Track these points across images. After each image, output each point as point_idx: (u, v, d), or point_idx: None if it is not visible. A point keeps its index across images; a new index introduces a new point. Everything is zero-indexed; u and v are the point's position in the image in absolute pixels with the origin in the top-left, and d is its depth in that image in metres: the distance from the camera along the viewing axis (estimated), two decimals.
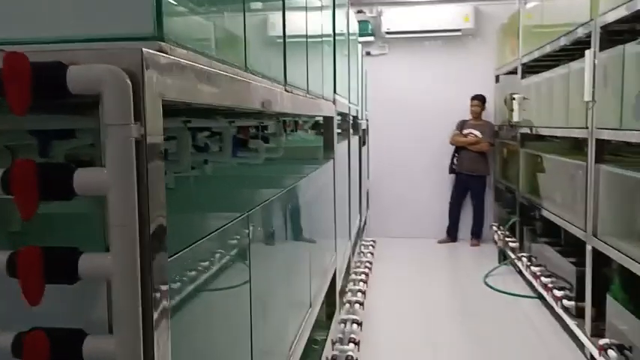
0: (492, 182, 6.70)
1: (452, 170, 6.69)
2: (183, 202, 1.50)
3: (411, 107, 6.82)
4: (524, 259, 4.89)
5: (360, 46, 4.49)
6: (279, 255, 1.49)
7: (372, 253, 5.53)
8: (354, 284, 4.13)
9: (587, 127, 3.41)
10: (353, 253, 4.49)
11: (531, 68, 5.08)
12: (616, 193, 3.13)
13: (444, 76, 6.76)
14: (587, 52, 3.31)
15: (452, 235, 6.77)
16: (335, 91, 2.62)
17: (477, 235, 6.67)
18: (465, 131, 6.57)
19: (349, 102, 3.60)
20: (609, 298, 3.13)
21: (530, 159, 4.97)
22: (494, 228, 6.21)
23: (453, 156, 6.65)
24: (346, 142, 3.51)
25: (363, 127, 5.48)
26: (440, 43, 6.88)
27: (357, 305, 3.67)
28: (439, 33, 6.71)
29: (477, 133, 6.50)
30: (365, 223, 5.58)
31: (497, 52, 6.44)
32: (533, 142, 5.17)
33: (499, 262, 5.69)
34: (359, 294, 3.93)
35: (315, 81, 2.08)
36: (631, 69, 2.84)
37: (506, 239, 5.59)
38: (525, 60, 5.06)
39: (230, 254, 1.06)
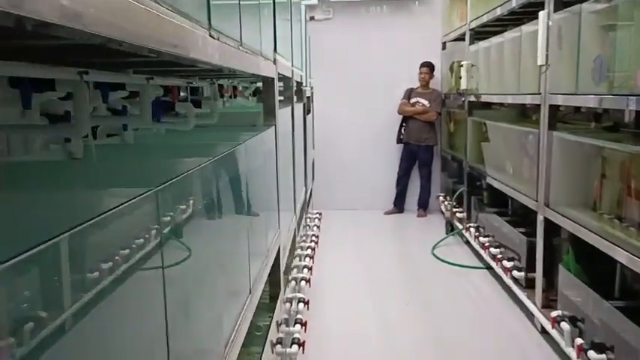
0: (439, 152, 6.61)
1: (400, 140, 6.53)
2: (86, 176, 1.21)
3: (357, 75, 6.59)
4: (472, 230, 4.82)
5: (303, 8, 4.19)
6: (208, 238, 1.23)
7: (318, 227, 5.34)
8: (300, 260, 3.91)
9: (539, 93, 3.28)
10: (299, 227, 4.26)
11: (479, 34, 4.94)
12: (569, 161, 3.02)
13: (390, 42, 6.55)
14: (541, 13, 3.16)
15: (399, 205, 6.66)
16: (276, 50, 2.34)
17: (423, 205, 6.58)
18: (413, 100, 6.40)
19: (292, 65, 3.32)
20: (562, 269, 3.05)
21: (479, 127, 4.86)
22: (441, 198, 6.15)
23: (401, 126, 6.48)
24: (289, 108, 3.24)
25: (308, 94, 5.20)
26: (386, 9, 6.65)
27: (302, 282, 3.46)
28: None
29: (425, 101, 6.35)
30: (310, 195, 5.37)
31: (443, 17, 6.28)
32: (479, 111, 5.07)
33: (446, 233, 5.63)
34: (305, 270, 3.72)
35: (252, 34, 1.80)
36: (588, 30, 2.70)
37: (454, 209, 5.52)
38: (474, 25, 4.90)
39: (137, 241, 0.80)
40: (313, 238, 4.84)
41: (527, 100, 3.54)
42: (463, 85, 5.09)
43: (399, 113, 6.45)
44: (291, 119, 3.28)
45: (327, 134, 6.62)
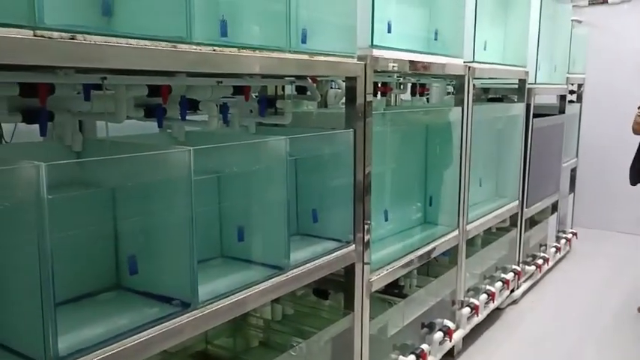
0: None
1: (636, 180, 3.83)
2: None
3: None
4: None
5: None
6: None
7: (557, 248, 4.54)
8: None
9: None
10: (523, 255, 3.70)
11: None
12: None
13: None
14: None
15: None
16: (372, 44, 2.12)
17: None
18: None
19: (475, 60, 2.95)
20: None
21: None
22: None
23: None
24: (459, 109, 2.89)
25: (562, 92, 4.48)
26: None
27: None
28: None
29: None
30: (556, 209, 4.58)
31: None
32: None
33: None
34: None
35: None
36: None
37: None
38: None
39: None
40: (541, 260, 4.19)
41: None
42: None
43: (636, 133, 3.79)
44: (463, 121, 2.92)
45: (609, 142, 5.50)
